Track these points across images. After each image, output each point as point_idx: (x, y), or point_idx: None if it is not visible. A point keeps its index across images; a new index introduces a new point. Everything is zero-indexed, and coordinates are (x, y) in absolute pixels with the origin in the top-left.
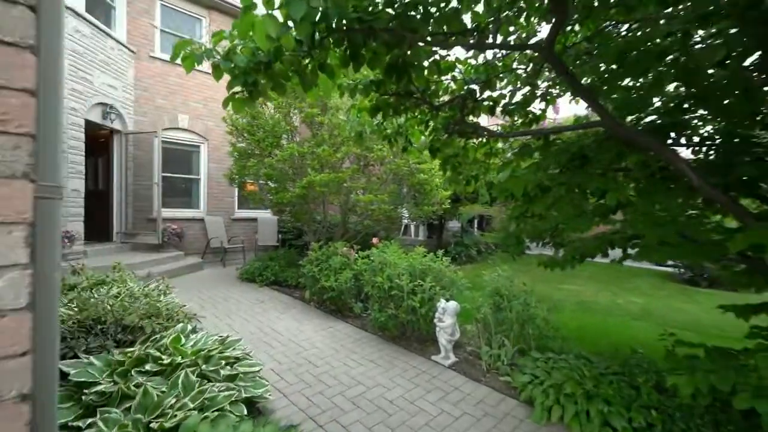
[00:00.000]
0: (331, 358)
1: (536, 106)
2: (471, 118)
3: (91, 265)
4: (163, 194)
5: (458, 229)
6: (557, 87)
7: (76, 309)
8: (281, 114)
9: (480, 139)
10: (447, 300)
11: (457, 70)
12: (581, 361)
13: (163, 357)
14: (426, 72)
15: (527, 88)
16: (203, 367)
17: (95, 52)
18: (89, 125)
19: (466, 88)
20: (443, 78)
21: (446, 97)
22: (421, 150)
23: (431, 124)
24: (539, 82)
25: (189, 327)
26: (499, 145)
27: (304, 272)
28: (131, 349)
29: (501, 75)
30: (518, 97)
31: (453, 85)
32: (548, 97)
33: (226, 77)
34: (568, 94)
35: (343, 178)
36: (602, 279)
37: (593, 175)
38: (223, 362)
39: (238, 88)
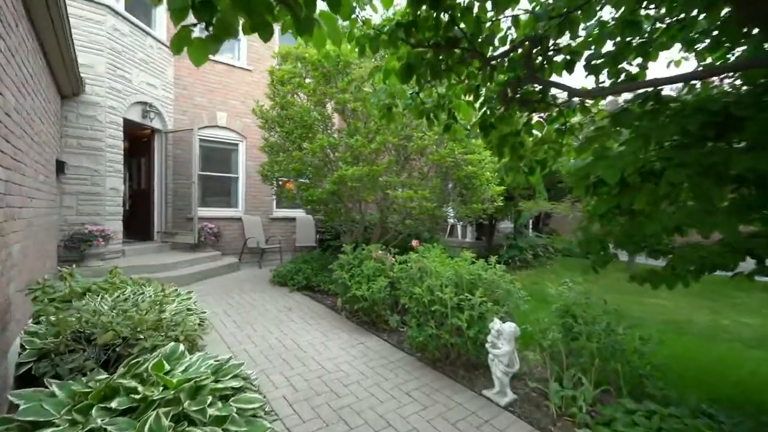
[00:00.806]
0: (358, 385)
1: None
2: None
3: (126, 265)
4: (202, 193)
5: (511, 231)
6: (660, 38)
7: (49, 325)
8: (312, 101)
9: (549, 113)
10: (502, 319)
11: (519, 7)
12: (703, 420)
13: (140, 389)
14: (476, 6)
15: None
16: (186, 404)
17: (134, 51)
18: (129, 124)
19: (533, 33)
20: (500, 17)
21: (505, 48)
22: (470, 130)
23: (483, 92)
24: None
25: (181, 347)
26: (576, 119)
27: (334, 278)
28: (102, 376)
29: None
30: (608, 47)
31: (514, 32)
32: (650, 49)
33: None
34: (675, 48)
35: (378, 171)
36: (695, 291)
37: (738, 150)
38: (212, 397)
39: (190, 20)
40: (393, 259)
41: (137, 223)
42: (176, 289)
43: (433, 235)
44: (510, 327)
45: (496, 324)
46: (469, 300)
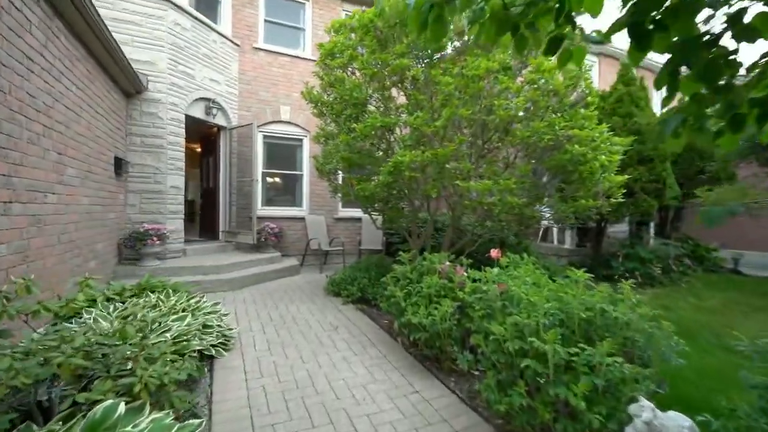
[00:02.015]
0: None
1: None
2: None
3: (182, 265)
4: (266, 192)
5: (625, 235)
6: None
7: None
8: (367, 76)
9: None
10: (652, 399)
11: None
12: None
13: None
14: None
15: None
16: None
17: (197, 46)
18: (192, 121)
19: None
20: None
21: None
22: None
23: None
24: None
25: (121, 408)
26: None
27: (386, 294)
28: None
29: None
30: None
31: None
32: None
33: None
34: None
35: (445, 155)
36: None
37: None
38: None
39: None
40: (465, 274)
41: (205, 222)
42: (199, 300)
43: (522, 240)
44: (680, 424)
45: (645, 410)
46: (588, 355)
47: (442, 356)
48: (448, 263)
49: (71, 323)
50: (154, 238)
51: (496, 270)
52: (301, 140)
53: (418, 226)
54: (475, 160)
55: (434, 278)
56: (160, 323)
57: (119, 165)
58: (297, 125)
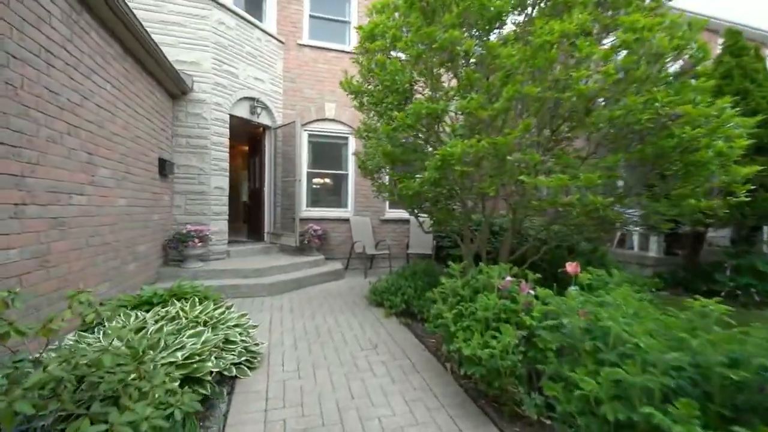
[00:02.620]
0: None
1: None
2: None
3: (223, 267)
4: (310, 192)
5: (726, 241)
6: None
7: None
8: (412, 56)
9: None
10: None
11: None
12: None
13: None
14: None
15: None
16: None
17: (241, 45)
18: (237, 121)
19: None
20: None
21: None
22: None
23: None
24: None
25: None
26: None
27: (433, 313)
28: None
29: None
30: None
31: None
32: None
33: None
34: None
35: (506, 144)
36: None
37: None
38: None
39: None
40: (532, 292)
41: (252, 222)
42: (225, 311)
43: (597, 246)
44: None
45: None
46: None
47: (503, 396)
48: (509, 278)
49: (95, 332)
50: (196, 240)
51: (578, 294)
52: (346, 138)
53: (472, 230)
54: (542, 152)
55: (492, 297)
56: (174, 339)
57: (164, 166)
58: (342, 123)
